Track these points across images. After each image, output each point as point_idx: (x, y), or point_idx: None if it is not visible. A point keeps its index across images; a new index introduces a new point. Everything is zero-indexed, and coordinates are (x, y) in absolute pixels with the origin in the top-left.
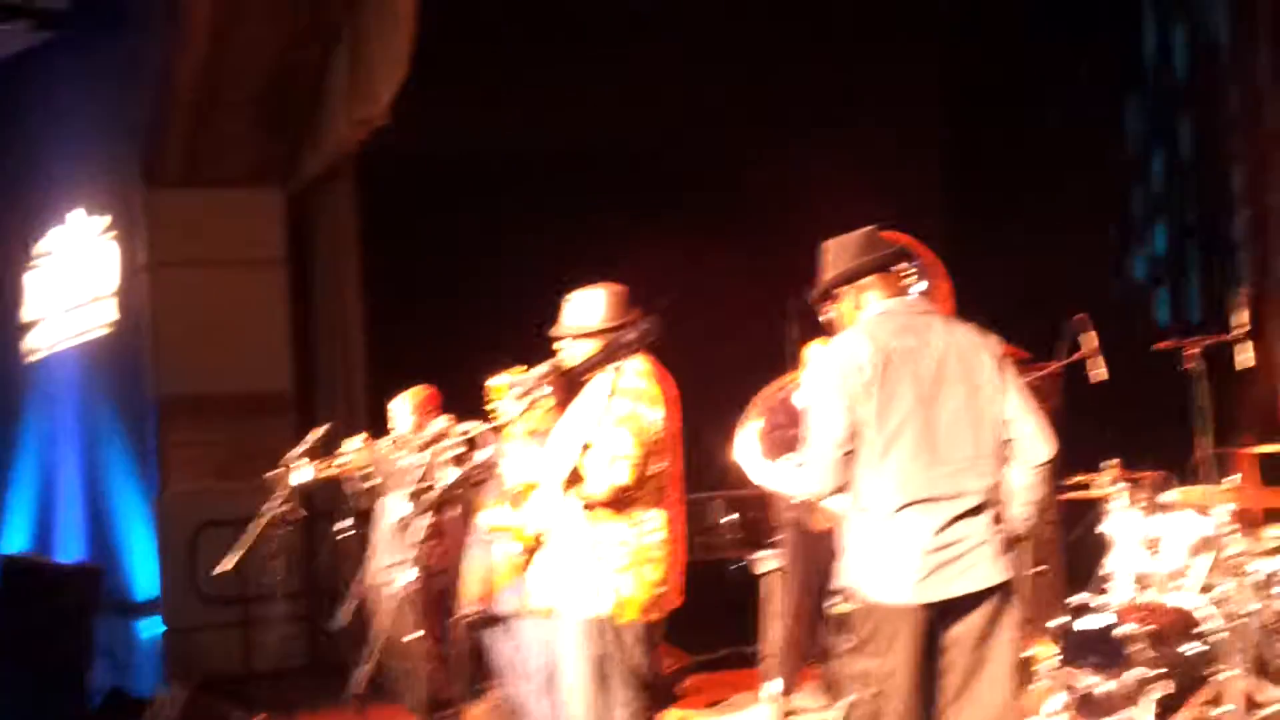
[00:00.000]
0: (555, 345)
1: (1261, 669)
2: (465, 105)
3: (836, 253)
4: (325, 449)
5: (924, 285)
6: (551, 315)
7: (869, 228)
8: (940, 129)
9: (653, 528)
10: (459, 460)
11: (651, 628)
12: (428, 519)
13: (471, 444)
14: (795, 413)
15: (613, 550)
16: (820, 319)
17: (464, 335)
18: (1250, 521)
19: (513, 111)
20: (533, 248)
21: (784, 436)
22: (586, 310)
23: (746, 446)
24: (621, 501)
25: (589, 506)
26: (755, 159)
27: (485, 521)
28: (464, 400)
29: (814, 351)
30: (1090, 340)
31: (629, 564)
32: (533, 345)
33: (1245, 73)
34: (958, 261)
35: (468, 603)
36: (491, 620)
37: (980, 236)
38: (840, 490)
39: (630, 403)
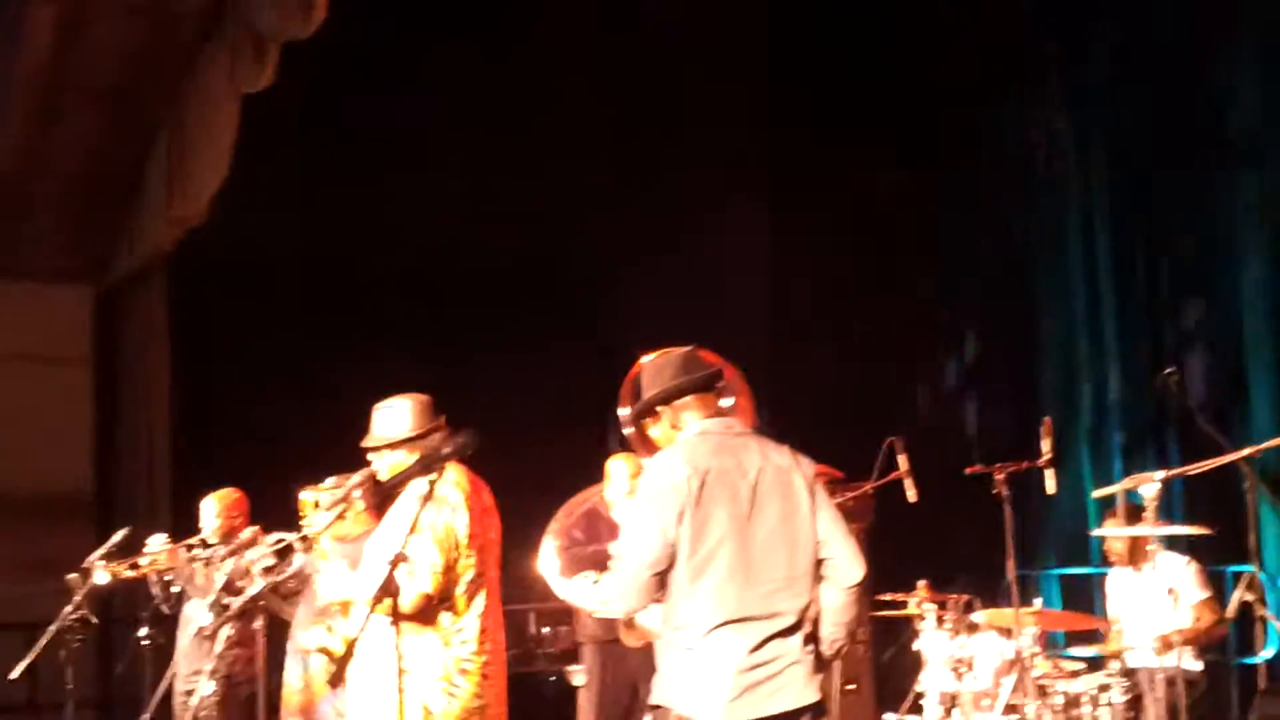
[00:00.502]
0: (368, 456)
1: None
2: (282, 210)
3: (655, 372)
4: (127, 552)
5: (729, 401)
6: (363, 423)
7: (688, 348)
8: (767, 247)
9: (464, 639)
10: (268, 571)
11: None
12: (229, 628)
13: (281, 555)
14: (594, 528)
15: (421, 664)
16: (626, 434)
17: (274, 441)
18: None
19: (330, 218)
20: (345, 355)
21: (581, 553)
22: (394, 420)
23: (547, 561)
24: (428, 612)
25: (397, 619)
26: (580, 272)
27: (301, 640)
28: (273, 506)
29: (615, 465)
30: (903, 462)
31: (439, 677)
32: (346, 453)
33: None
34: (780, 380)
35: (286, 715)
36: None
37: (802, 355)
38: (644, 608)
39: (435, 511)
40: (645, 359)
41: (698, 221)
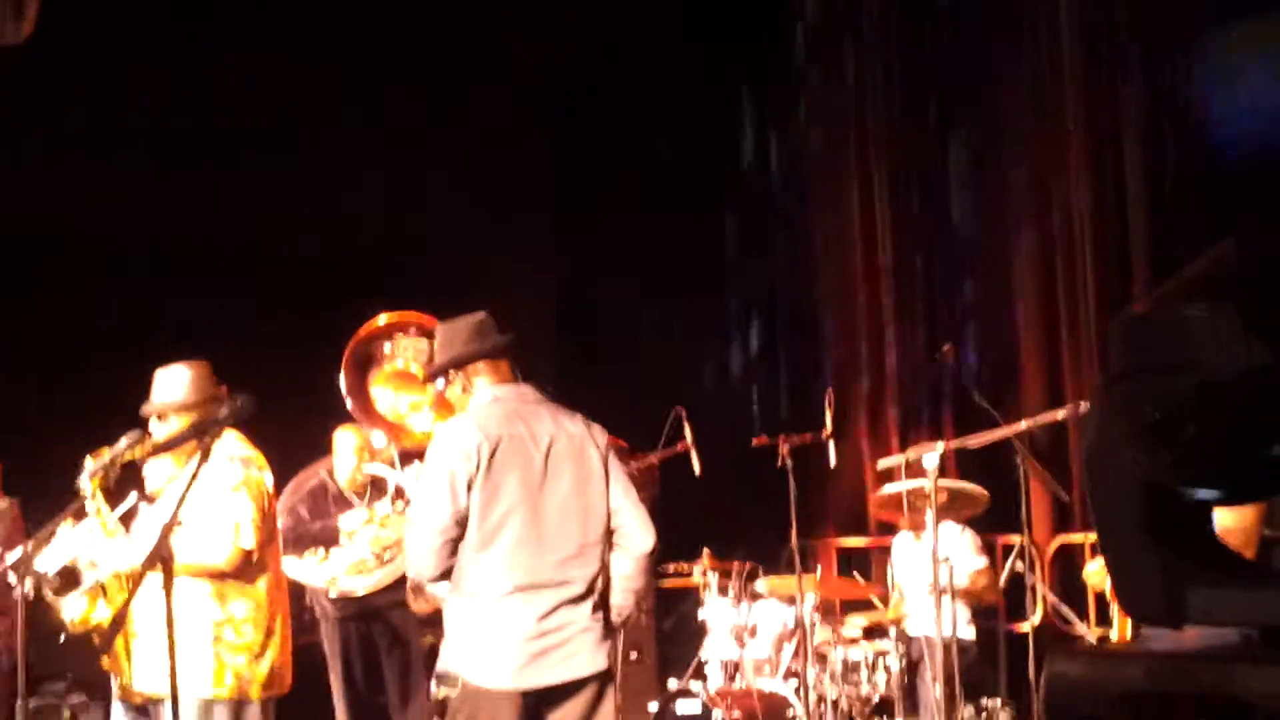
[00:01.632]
0: (149, 423)
1: None
2: (43, 167)
3: (447, 337)
4: None
5: None
6: (138, 391)
7: (480, 314)
8: (552, 213)
9: (270, 600)
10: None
11: (269, 706)
12: None
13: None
14: (320, 504)
15: (233, 627)
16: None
17: (47, 409)
18: (832, 611)
19: (93, 179)
20: (117, 322)
21: (308, 530)
22: (173, 386)
23: None
24: (244, 570)
25: (209, 576)
26: (360, 249)
27: (68, 614)
28: (45, 475)
29: (341, 438)
30: (689, 433)
31: (250, 640)
32: (118, 420)
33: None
34: (570, 357)
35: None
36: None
37: (591, 334)
38: (439, 574)
39: (243, 468)
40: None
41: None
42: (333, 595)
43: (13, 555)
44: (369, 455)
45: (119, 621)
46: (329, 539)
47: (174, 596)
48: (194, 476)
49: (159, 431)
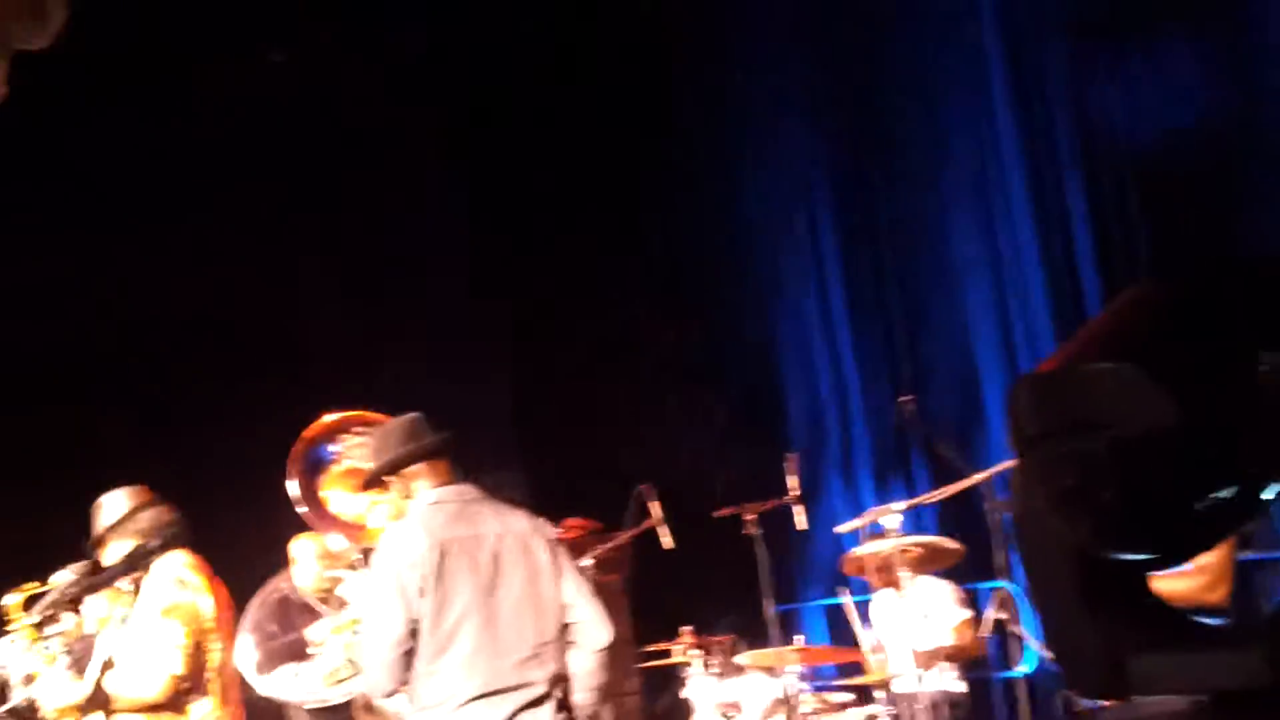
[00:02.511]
0: (97, 554)
1: None
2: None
3: (381, 441)
4: None
5: None
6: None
7: (412, 415)
8: (508, 322)
9: None
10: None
11: None
12: None
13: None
14: (287, 616)
15: None
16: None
17: None
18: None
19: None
20: (51, 453)
21: (278, 645)
22: (109, 508)
23: (245, 657)
24: (177, 700)
25: (142, 710)
26: (295, 343)
27: None
28: None
29: (299, 547)
30: (656, 509)
31: None
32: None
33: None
34: (528, 440)
35: None
36: None
37: (554, 420)
38: (395, 688)
39: (177, 589)
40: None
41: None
42: (308, 708)
43: None
44: (329, 561)
45: None
46: (298, 652)
47: None
48: (126, 615)
49: (106, 558)
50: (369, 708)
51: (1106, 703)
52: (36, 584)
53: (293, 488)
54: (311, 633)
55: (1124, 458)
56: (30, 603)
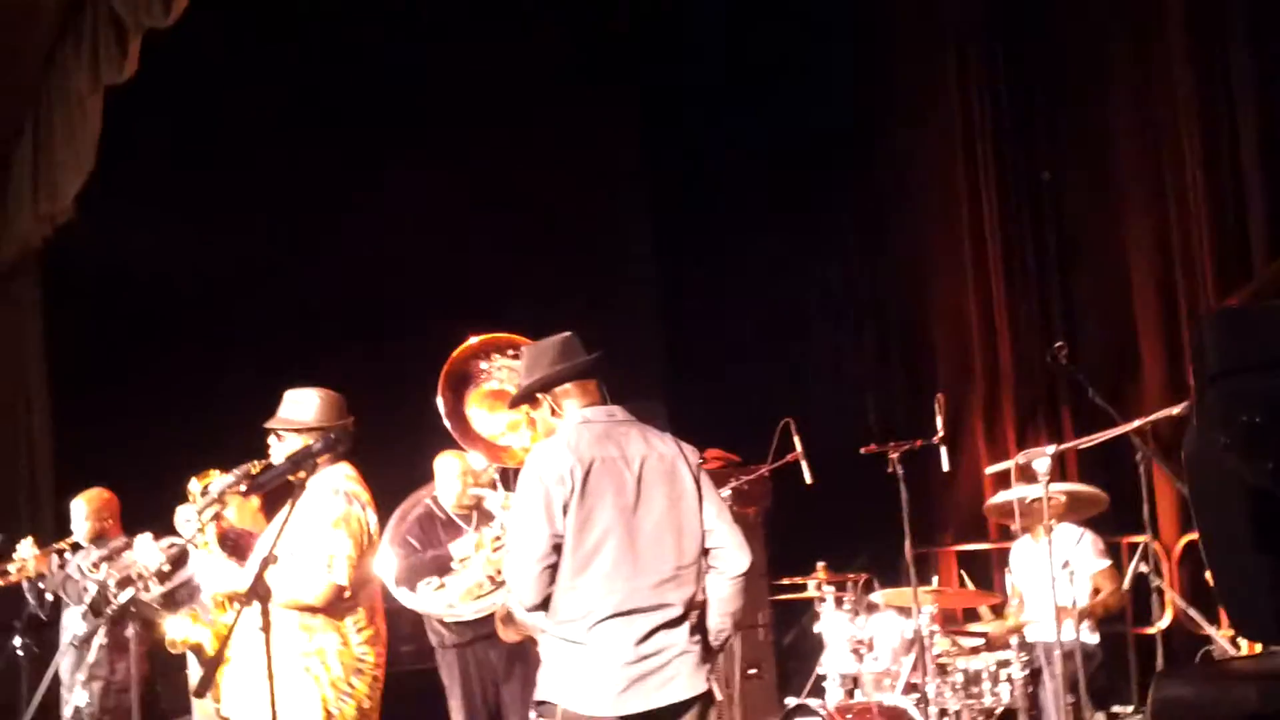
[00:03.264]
0: (269, 438)
1: None
2: (153, 206)
3: (533, 358)
4: (5, 558)
5: None
6: (249, 426)
7: (565, 334)
8: (652, 246)
9: (363, 639)
10: (163, 578)
11: None
12: (102, 636)
13: (175, 562)
14: (429, 532)
15: (322, 661)
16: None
17: (155, 442)
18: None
19: (202, 216)
20: (225, 358)
21: (420, 559)
22: (302, 406)
23: (386, 571)
24: (338, 606)
25: (300, 610)
26: (458, 277)
27: (171, 633)
28: (152, 508)
29: (443, 463)
30: (798, 443)
31: (338, 677)
32: (224, 453)
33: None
34: (679, 373)
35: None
36: None
37: (695, 345)
38: (540, 601)
39: (346, 503)
40: (471, 342)
41: (577, 221)
42: (449, 621)
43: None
44: (472, 479)
45: (219, 657)
46: (442, 567)
47: (272, 632)
48: (289, 513)
49: (277, 450)
50: (508, 619)
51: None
52: (218, 471)
53: (440, 403)
54: (455, 548)
55: None
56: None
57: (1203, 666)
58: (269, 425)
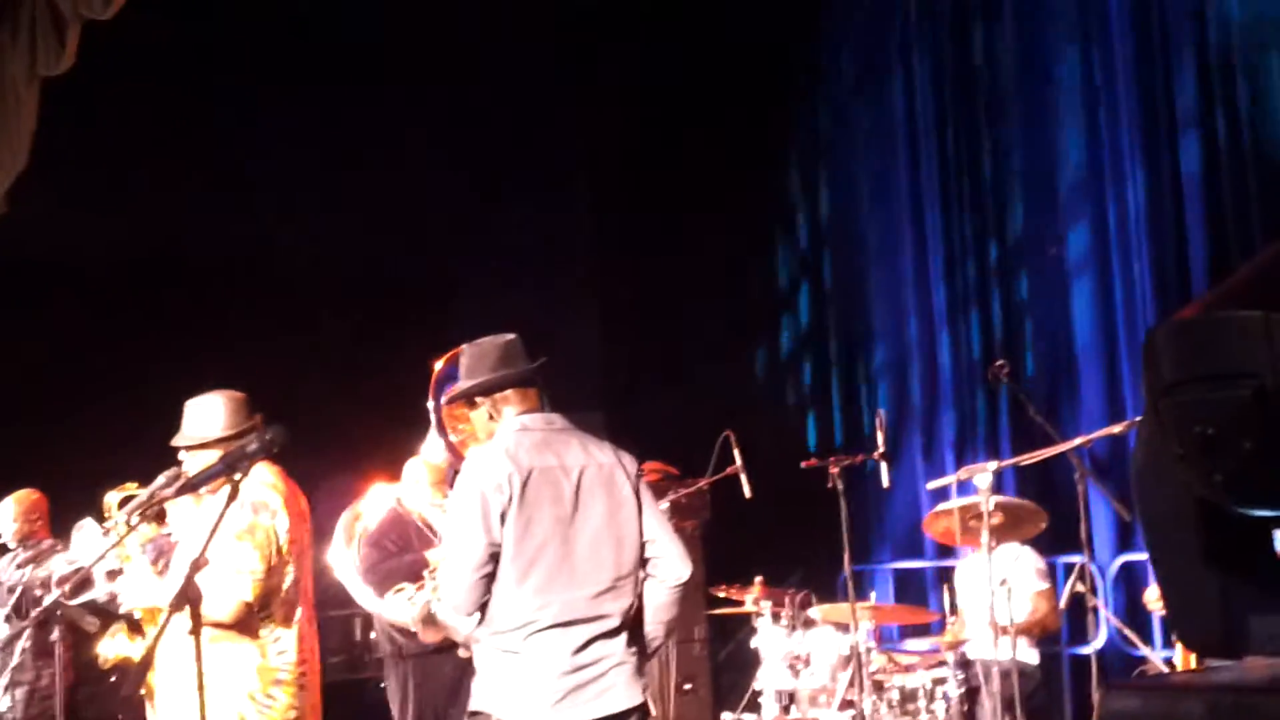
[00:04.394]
0: (179, 455)
1: None
2: (90, 203)
3: (476, 359)
4: None
5: None
6: (175, 423)
7: (509, 337)
8: (593, 256)
9: (281, 649)
10: (111, 576)
11: None
12: (27, 639)
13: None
14: (404, 535)
15: (236, 676)
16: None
17: (82, 436)
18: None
19: (133, 209)
20: (158, 354)
21: (397, 564)
22: (207, 418)
23: (348, 575)
24: (247, 622)
25: (210, 626)
26: (401, 275)
27: (107, 651)
28: (79, 510)
29: (414, 467)
30: (738, 457)
31: (255, 689)
32: (158, 455)
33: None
34: (616, 389)
35: None
36: None
37: (636, 365)
38: (475, 610)
39: (252, 514)
40: (462, 348)
41: (518, 224)
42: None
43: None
44: (441, 487)
45: (147, 661)
46: (416, 573)
47: (205, 634)
48: (222, 515)
49: (191, 465)
50: (429, 620)
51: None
52: (136, 484)
53: (432, 409)
54: (432, 554)
55: (1266, 408)
56: (125, 503)
57: (1150, 679)
58: (176, 443)
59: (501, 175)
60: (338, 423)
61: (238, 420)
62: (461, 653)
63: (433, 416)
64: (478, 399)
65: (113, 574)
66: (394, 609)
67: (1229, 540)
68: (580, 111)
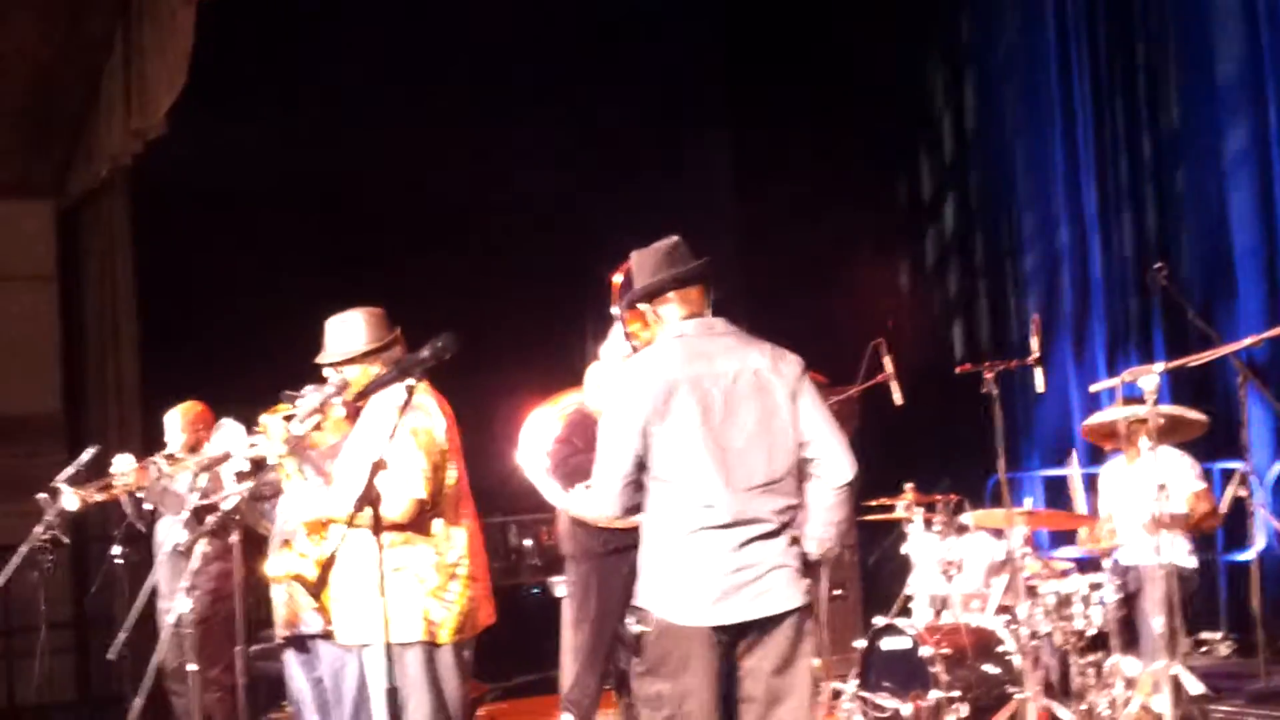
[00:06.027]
0: (323, 372)
1: (1056, 689)
2: (244, 122)
3: (639, 266)
4: (96, 472)
5: None
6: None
7: (673, 240)
8: (732, 170)
9: (452, 545)
10: (240, 478)
11: (461, 649)
12: (204, 544)
13: (257, 464)
14: (590, 435)
15: (416, 573)
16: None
17: (241, 355)
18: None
19: (295, 131)
20: (313, 268)
21: (585, 461)
22: (349, 334)
23: (538, 473)
24: (419, 519)
25: (386, 528)
26: (546, 193)
27: (269, 569)
28: (240, 420)
29: (593, 372)
30: (888, 364)
31: (435, 586)
32: (308, 367)
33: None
34: (759, 298)
35: (279, 626)
36: (295, 644)
37: (780, 275)
38: (631, 513)
39: (411, 418)
40: (631, 255)
41: (659, 141)
42: (602, 526)
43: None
44: None
45: (328, 567)
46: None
47: (383, 537)
48: (399, 419)
49: (336, 381)
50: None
51: None
52: (288, 405)
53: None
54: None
55: None
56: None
57: None
58: (320, 360)
59: (639, 91)
60: (503, 339)
61: (379, 334)
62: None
63: (617, 326)
64: (640, 305)
65: (241, 475)
66: (581, 502)
67: None
68: (715, 24)
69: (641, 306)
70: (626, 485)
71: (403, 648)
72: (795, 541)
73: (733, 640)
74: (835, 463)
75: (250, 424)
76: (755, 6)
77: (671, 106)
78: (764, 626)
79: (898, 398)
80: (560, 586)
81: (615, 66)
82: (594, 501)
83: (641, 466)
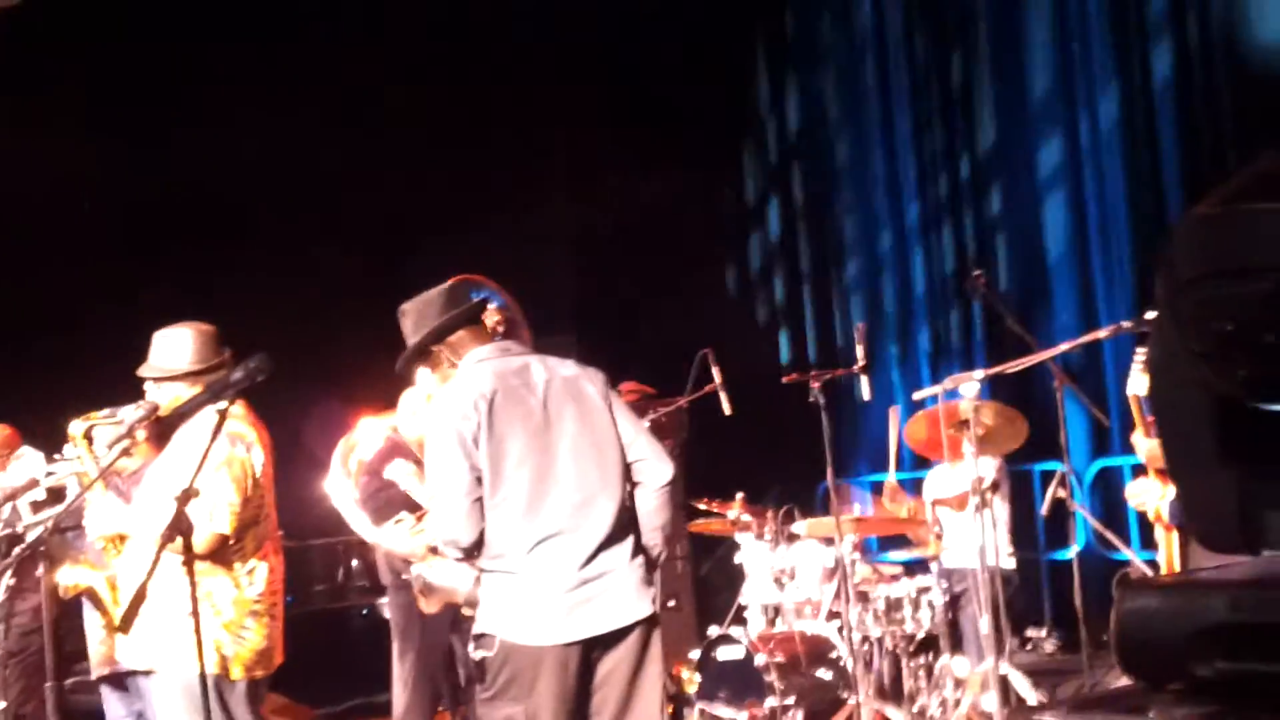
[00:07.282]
0: (145, 385)
1: (888, 692)
2: (60, 137)
3: (420, 312)
4: None
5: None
6: (139, 355)
7: (450, 282)
8: (566, 182)
9: (254, 581)
10: (36, 507)
11: (257, 685)
12: (9, 577)
13: (54, 494)
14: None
15: (213, 604)
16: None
17: (47, 373)
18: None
19: (107, 145)
20: (122, 284)
21: (396, 493)
22: (175, 350)
23: (346, 504)
24: (222, 553)
25: (189, 559)
26: (369, 199)
27: (66, 580)
28: (46, 442)
29: (408, 398)
30: (717, 374)
31: (230, 620)
32: (118, 386)
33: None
34: (590, 314)
35: (97, 663)
36: (112, 681)
37: (610, 287)
38: (475, 537)
39: (229, 446)
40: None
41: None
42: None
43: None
44: None
45: (141, 595)
46: (414, 502)
47: (194, 569)
48: (210, 445)
49: (155, 397)
50: (426, 590)
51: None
52: (106, 412)
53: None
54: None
55: None
56: (89, 432)
57: (1166, 578)
58: (142, 374)
59: (472, 105)
60: (327, 357)
61: (207, 354)
62: (465, 611)
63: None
64: (433, 349)
65: (37, 505)
66: (392, 538)
67: (1247, 438)
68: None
69: (434, 349)
70: (474, 504)
71: (191, 680)
72: (638, 548)
73: (583, 654)
74: (654, 465)
75: (56, 439)
76: (579, 10)
77: (504, 121)
78: (615, 637)
79: (727, 407)
80: (388, 609)
81: (445, 68)
82: (440, 532)
83: (480, 483)
